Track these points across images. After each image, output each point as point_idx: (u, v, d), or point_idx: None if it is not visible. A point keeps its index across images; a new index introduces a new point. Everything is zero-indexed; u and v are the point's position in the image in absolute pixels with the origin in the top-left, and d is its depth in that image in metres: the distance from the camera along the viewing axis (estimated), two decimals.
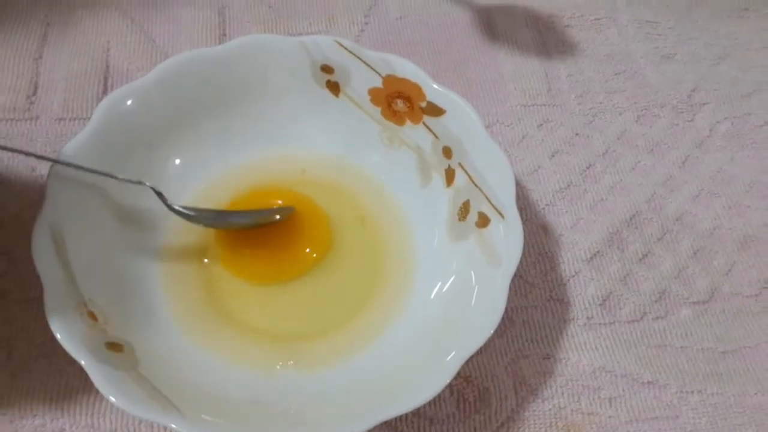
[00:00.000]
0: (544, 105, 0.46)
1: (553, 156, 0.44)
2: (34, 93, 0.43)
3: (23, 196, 0.39)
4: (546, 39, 0.50)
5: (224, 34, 0.47)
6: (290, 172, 0.40)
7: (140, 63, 0.45)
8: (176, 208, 0.35)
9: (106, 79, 0.45)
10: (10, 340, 0.35)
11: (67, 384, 0.34)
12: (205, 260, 0.37)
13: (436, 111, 0.37)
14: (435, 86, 0.37)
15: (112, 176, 0.34)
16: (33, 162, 0.40)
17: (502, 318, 0.31)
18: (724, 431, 0.35)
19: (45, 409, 0.33)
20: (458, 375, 0.30)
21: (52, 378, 0.34)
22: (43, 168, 0.40)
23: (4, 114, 0.42)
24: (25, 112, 0.42)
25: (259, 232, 0.37)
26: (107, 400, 0.33)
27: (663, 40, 0.51)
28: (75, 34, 0.46)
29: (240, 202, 0.38)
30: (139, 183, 0.35)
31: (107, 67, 0.45)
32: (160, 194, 0.35)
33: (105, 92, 0.44)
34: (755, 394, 0.36)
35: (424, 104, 0.38)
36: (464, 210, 0.36)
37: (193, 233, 0.37)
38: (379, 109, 0.39)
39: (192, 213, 0.36)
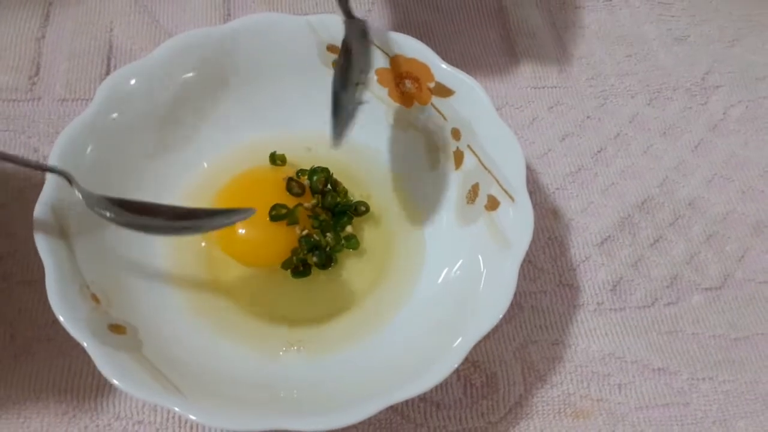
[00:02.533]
0: (555, 87, 0.45)
1: (563, 139, 0.43)
2: (37, 73, 0.43)
3: (25, 177, 0.39)
4: (557, 20, 0.49)
5: (228, 14, 0.47)
6: (295, 150, 0.39)
7: (144, 43, 0.45)
8: (81, 196, 0.31)
9: (109, 59, 0.44)
10: (13, 322, 0.34)
11: (71, 366, 0.34)
12: (203, 244, 0.36)
13: (444, 92, 0.37)
14: (444, 66, 0.36)
15: (18, 162, 0.31)
16: (35, 143, 0.40)
17: (511, 303, 0.31)
18: (736, 418, 0.35)
19: (48, 392, 0.33)
20: (466, 360, 0.30)
21: (55, 360, 0.34)
22: (46, 149, 0.40)
23: (6, 95, 0.42)
24: (27, 93, 0.42)
25: (257, 216, 0.36)
26: (110, 383, 0.33)
27: (676, 21, 0.50)
28: (78, 13, 0.45)
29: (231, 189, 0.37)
30: (49, 170, 0.31)
31: (110, 47, 0.44)
32: (69, 181, 0.31)
33: (108, 72, 0.43)
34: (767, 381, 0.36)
35: (432, 85, 0.37)
36: (473, 193, 0.36)
37: None
38: (386, 89, 0.38)
39: (103, 211, 0.31)
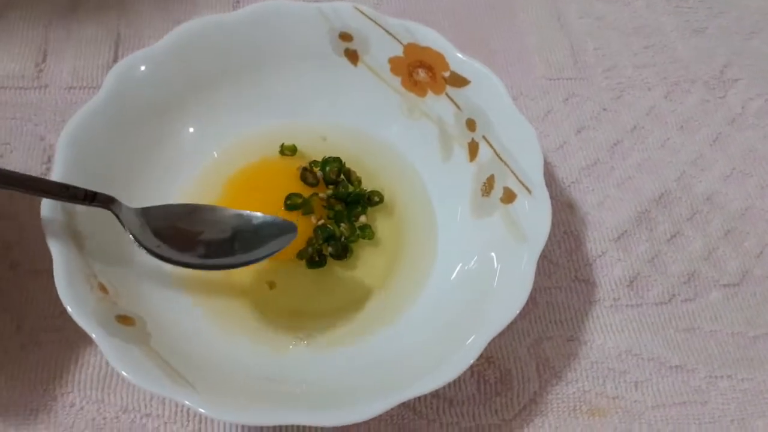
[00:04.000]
0: (570, 78, 0.45)
1: (579, 132, 0.42)
2: (44, 60, 0.42)
3: (32, 165, 0.38)
4: (572, 10, 0.48)
5: (238, 2, 0.46)
6: (311, 140, 0.38)
7: (152, 31, 0.44)
8: (140, 244, 0.30)
9: (117, 46, 0.43)
10: (20, 312, 0.34)
11: (77, 358, 0.33)
12: None
13: (459, 81, 0.36)
14: (459, 55, 0.35)
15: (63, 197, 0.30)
16: (42, 131, 0.39)
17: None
18: (754, 417, 0.34)
19: (55, 383, 0.32)
20: (480, 356, 0.29)
21: (62, 351, 0.33)
22: (52, 137, 0.39)
23: (13, 82, 0.41)
24: (34, 81, 0.41)
25: (265, 203, 0.35)
26: (118, 375, 0.33)
27: (693, 13, 0.49)
28: (86, 0, 0.45)
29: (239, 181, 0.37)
30: (94, 202, 0.31)
31: (118, 34, 0.44)
32: (116, 214, 0.31)
33: (116, 60, 0.42)
34: None
35: (447, 74, 0.36)
36: (488, 185, 0.35)
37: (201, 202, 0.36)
38: (400, 78, 0.38)
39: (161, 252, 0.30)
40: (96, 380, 0.33)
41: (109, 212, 0.31)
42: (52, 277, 0.28)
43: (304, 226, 0.35)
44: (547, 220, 0.31)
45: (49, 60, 0.42)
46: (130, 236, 0.30)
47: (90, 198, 0.30)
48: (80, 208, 0.31)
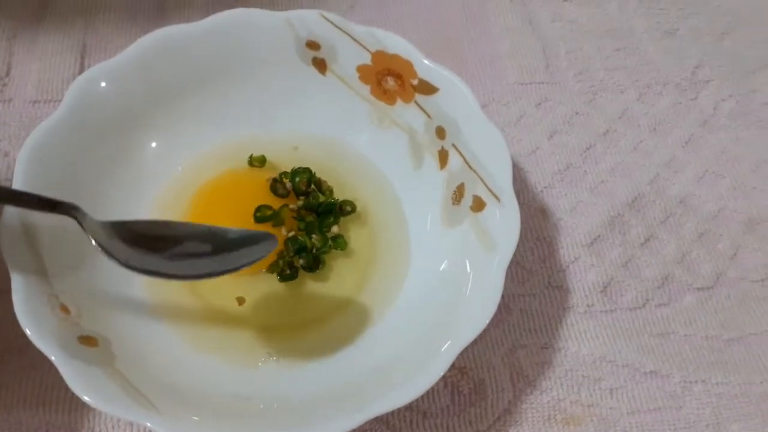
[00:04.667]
0: (542, 83, 0.44)
1: (551, 136, 0.42)
2: (7, 74, 0.42)
3: None
4: (544, 14, 0.48)
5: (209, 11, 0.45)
6: (281, 150, 0.38)
7: (119, 41, 0.43)
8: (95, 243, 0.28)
9: (83, 58, 0.43)
10: None
11: (43, 380, 0.32)
12: None
13: (428, 89, 0.35)
14: (427, 63, 0.35)
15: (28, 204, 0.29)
16: (5, 146, 0.39)
17: (499, 306, 0.30)
18: (729, 422, 0.34)
19: (20, 406, 0.32)
20: (453, 366, 0.29)
21: (26, 374, 0.32)
22: (16, 152, 0.38)
23: None
24: None
25: (233, 216, 0.35)
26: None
27: (665, 14, 0.49)
28: (51, 11, 0.44)
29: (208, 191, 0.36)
30: (57, 209, 0.29)
31: (84, 46, 0.43)
32: (80, 222, 0.29)
33: (81, 72, 0.41)
34: (761, 383, 0.35)
35: (415, 82, 0.36)
36: (458, 193, 0.35)
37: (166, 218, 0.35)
38: (369, 87, 0.37)
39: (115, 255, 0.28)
40: (62, 403, 0.32)
41: (72, 231, 0.30)
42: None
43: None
44: (516, 228, 0.31)
45: (13, 73, 0.42)
46: (95, 245, 0.28)
47: (51, 206, 0.29)
48: (41, 227, 0.30)
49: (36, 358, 0.32)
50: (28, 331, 0.27)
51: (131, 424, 0.32)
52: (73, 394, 0.31)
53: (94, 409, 0.32)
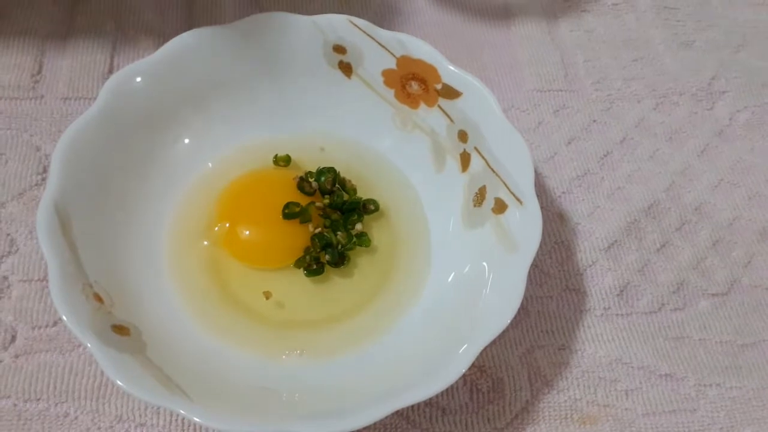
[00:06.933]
0: (561, 91, 0.45)
1: (569, 143, 0.43)
2: (39, 72, 0.42)
3: (27, 175, 0.38)
4: (562, 24, 0.49)
5: (237, 15, 0.46)
6: (307, 151, 0.39)
7: (148, 42, 0.44)
8: None
9: (112, 57, 0.44)
10: (13, 323, 0.34)
11: (72, 368, 0.33)
12: (205, 242, 0.36)
13: (451, 93, 0.36)
14: (451, 68, 0.36)
15: None
16: (37, 141, 0.40)
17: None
18: (743, 425, 0.34)
19: (49, 393, 0.32)
20: (472, 365, 0.30)
21: (56, 361, 0.33)
22: (48, 147, 0.39)
23: (9, 93, 0.41)
24: (29, 91, 0.41)
25: (260, 213, 0.36)
26: (112, 385, 0.33)
27: (682, 26, 0.50)
28: (82, 11, 0.45)
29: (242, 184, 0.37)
30: None
31: (114, 45, 0.44)
32: None
33: (111, 71, 0.43)
34: None
35: (439, 86, 0.37)
36: (480, 196, 0.35)
37: (194, 214, 0.36)
38: (393, 91, 0.38)
39: None
40: (90, 390, 0.33)
41: (104, 221, 0.31)
42: (45, 287, 0.28)
43: (302, 234, 0.35)
44: (538, 230, 0.32)
45: (45, 71, 0.43)
46: None
47: None
48: (75, 218, 0.31)
49: (65, 347, 0.34)
50: (65, 318, 0.28)
51: (157, 411, 0.32)
52: (100, 381, 0.33)
53: (121, 396, 0.33)
